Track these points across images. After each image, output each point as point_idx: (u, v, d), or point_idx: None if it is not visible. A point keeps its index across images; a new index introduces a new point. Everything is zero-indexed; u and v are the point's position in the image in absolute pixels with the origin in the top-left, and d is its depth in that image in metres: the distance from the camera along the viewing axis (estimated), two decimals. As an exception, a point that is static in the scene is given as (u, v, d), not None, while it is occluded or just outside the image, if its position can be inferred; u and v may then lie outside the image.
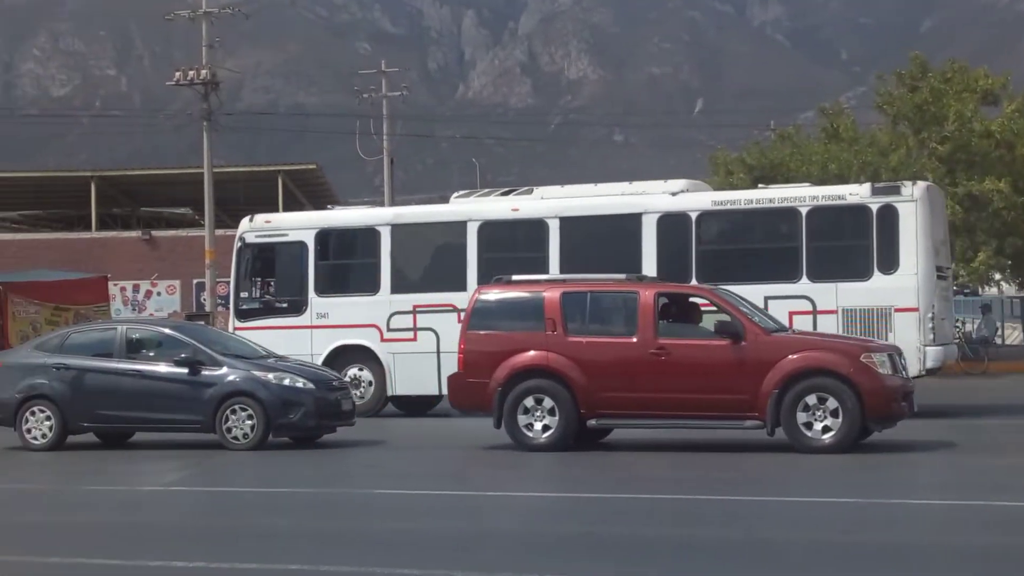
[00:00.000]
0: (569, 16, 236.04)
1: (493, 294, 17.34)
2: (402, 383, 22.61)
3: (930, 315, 20.23)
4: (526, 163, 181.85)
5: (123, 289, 45.27)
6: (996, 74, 36.46)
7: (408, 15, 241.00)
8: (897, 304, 20.19)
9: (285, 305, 23.21)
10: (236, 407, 17.51)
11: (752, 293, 19.12)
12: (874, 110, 38.10)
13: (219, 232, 41.01)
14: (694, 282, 20.71)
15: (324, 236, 23.39)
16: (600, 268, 20.58)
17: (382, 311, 22.58)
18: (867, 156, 34.71)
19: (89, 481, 15.02)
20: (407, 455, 17.53)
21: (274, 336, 22.37)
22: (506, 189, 24.18)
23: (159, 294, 46.39)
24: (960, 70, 36.27)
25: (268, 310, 23.33)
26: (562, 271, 21.07)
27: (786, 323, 18.99)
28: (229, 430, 17.54)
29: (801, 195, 21.19)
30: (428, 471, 15.73)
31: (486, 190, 24.49)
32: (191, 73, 41.24)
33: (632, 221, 21.56)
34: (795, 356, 15.84)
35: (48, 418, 18.09)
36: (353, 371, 22.62)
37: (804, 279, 20.61)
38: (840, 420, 15.64)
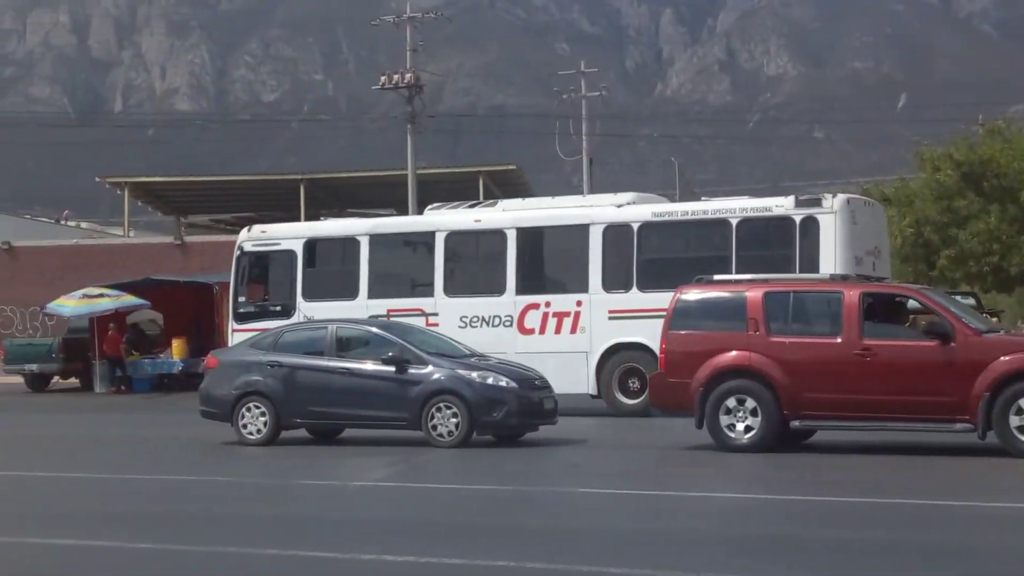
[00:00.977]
0: (768, 12, 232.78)
1: (694, 294, 17.25)
2: None
3: None
4: (724, 161, 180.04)
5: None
6: None
7: (606, 15, 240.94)
8: None
9: (277, 309, 24.65)
10: (441, 405, 17.80)
11: None
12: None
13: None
14: (635, 289, 22.33)
15: (311, 245, 24.96)
16: (552, 275, 23.16)
17: (360, 315, 23.43)
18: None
19: (302, 475, 15.45)
20: (609, 454, 17.57)
21: None
22: (473, 202, 25.64)
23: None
24: None
25: (262, 313, 24.72)
26: (518, 278, 23.08)
27: None
28: (435, 427, 17.84)
29: (732, 207, 22.41)
30: (629, 470, 15.74)
31: (456, 203, 25.60)
32: (396, 77, 42.07)
33: (581, 231, 22.95)
34: (1008, 358, 15.36)
35: (263, 414, 18.66)
36: None
37: None
38: (1056, 424, 15.12)
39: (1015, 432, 15.24)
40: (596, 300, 22.81)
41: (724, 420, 16.51)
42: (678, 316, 17.05)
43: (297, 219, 51.29)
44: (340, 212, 56.95)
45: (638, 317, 22.16)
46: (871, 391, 15.77)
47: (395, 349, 18.24)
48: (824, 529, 10.96)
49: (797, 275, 17.57)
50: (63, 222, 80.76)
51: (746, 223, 21.97)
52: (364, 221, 26.70)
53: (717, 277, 17.75)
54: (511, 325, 23.27)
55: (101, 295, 33.21)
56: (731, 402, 16.45)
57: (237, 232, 55.30)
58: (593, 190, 53.07)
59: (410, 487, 14.61)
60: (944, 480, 14.04)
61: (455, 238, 23.98)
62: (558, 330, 23.00)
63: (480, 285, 23.80)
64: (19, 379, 35.51)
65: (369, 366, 18.31)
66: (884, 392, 15.72)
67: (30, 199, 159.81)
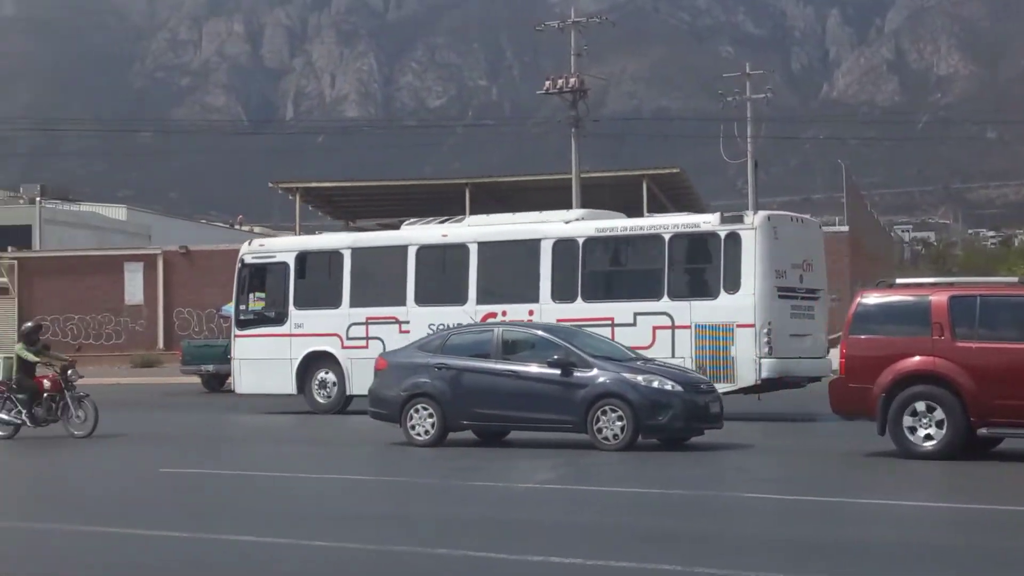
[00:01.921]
0: (938, 11, 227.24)
1: (874, 298, 16.86)
2: (357, 384, 25.05)
3: (766, 330, 22.38)
4: (893, 163, 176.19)
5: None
6: None
7: (771, 16, 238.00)
8: (738, 320, 22.42)
9: (273, 316, 26.72)
10: (607, 408, 17.76)
11: (624, 310, 23.06)
12: None
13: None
14: (579, 299, 23.76)
15: (302, 257, 26.92)
16: (509, 286, 24.59)
17: (343, 322, 25.88)
18: None
19: (470, 477, 15.56)
20: (778, 459, 17.32)
21: (264, 342, 26.58)
22: (444, 218, 27.26)
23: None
24: None
25: (260, 320, 26.89)
26: (479, 288, 24.66)
27: (650, 338, 22.38)
28: (600, 431, 17.81)
29: (666, 223, 23.91)
30: (801, 476, 15.47)
31: (430, 218, 27.39)
32: (560, 82, 42.16)
33: (533, 245, 24.52)
34: None
35: (431, 415, 18.86)
36: (322, 374, 26.12)
37: (665, 298, 23.08)
38: None
39: None
40: (546, 309, 24.16)
41: (907, 424, 16.11)
42: (858, 321, 16.68)
43: (462, 223, 51.85)
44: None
45: (583, 325, 22.71)
46: (1065, 398, 15.23)
47: (561, 352, 18.25)
48: (1007, 540, 10.63)
49: (983, 279, 17.14)
50: (237, 226, 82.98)
51: (677, 238, 23.38)
52: (347, 235, 28.60)
53: (899, 281, 17.43)
54: None
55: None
56: (916, 408, 16.02)
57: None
58: (758, 193, 52.47)
59: (575, 490, 14.59)
60: None
61: (425, 252, 25.63)
62: None
63: (446, 295, 25.18)
64: (196, 379, 36.60)
65: (535, 369, 18.35)
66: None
67: (205, 204, 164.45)
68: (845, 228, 46.53)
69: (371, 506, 13.45)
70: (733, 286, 22.60)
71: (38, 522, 12.44)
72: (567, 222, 24.75)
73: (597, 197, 48.02)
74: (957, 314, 15.99)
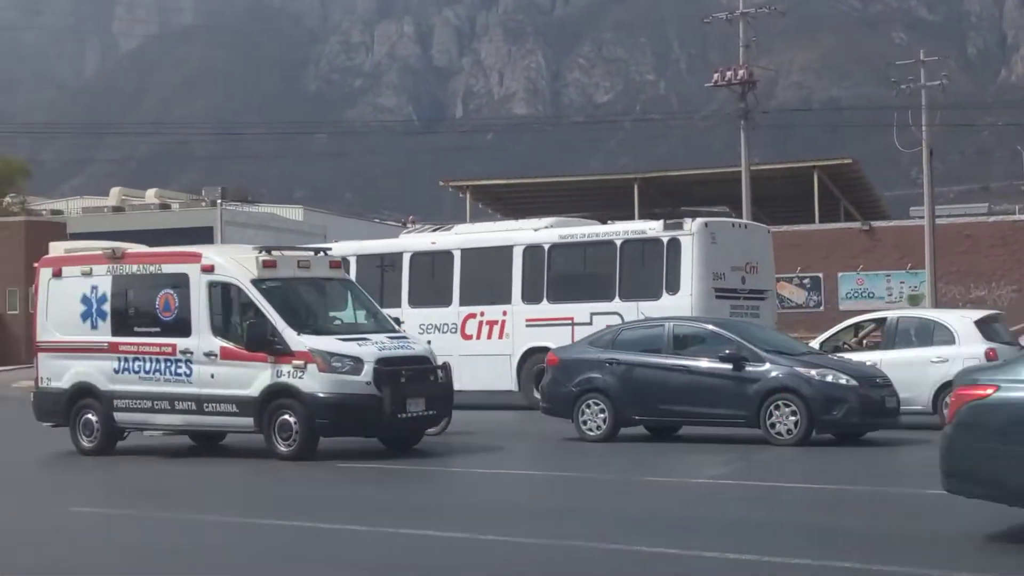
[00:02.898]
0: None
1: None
2: None
3: None
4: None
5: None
6: None
7: (945, 1, 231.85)
8: None
9: None
10: (780, 403, 17.55)
11: (583, 310, 25.05)
12: None
13: (757, 229, 41.02)
14: (545, 301, 25.77)
15: None
16: (486, 288, 26.56)
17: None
18: None
19: (642, 472, 15.53)
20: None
21: None
22: (437, 225, 29.63)
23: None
24: None
25: None
26: (462, 292, 26.80)
27: None
28: (773, 425, 17.61)
29: (618, 230, 26.18)
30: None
31: (427, 225, 29.80)
32: (728, 74, 41.70)
33: (506, 252, 26.64)
34: None
35: (602, 411, 18.88)
36: None
37: (616, 299, 24.93)
38: None
39: None
40: (517, 310, 26.33)
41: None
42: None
43: (631, 218, 51.69)
44: (672, 211, 57.07)
45: (548, 325, 25.51)
46: None
47: (732, 346, 18.09)
48: None
49: None
50: (408, 225, 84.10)
51: (628, 244, 25.34)
52: (353, 244, 30.53)
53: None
54: (456, 332, 26.93)
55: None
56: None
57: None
58: (934, 183, 51.14)
59: (749, 485, 14.45)
60: None
61: (418, 258, 27.90)
62: (489, 336, 26.65)
63: (434, 297, 27.28)
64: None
65: (706, 363, 18.23)
66: None
67: (377, 204, 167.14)
68: (1025, 216, 45.04)
69: (544, 501, 13.53)
70: (673, 288, 24.44)
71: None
72: (536, 230, 26.98)
73: (767, 189, 47.47)
74: None
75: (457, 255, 27.28)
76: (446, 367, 18.32)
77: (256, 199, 77.59)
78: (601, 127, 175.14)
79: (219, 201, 65.32)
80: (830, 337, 21.51)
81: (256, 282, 17.58)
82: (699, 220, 25.15)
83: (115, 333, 18.59)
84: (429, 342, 20.29)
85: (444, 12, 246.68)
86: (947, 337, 19.97)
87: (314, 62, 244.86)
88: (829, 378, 17.55)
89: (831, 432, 17.81)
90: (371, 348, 17.18)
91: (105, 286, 18.78)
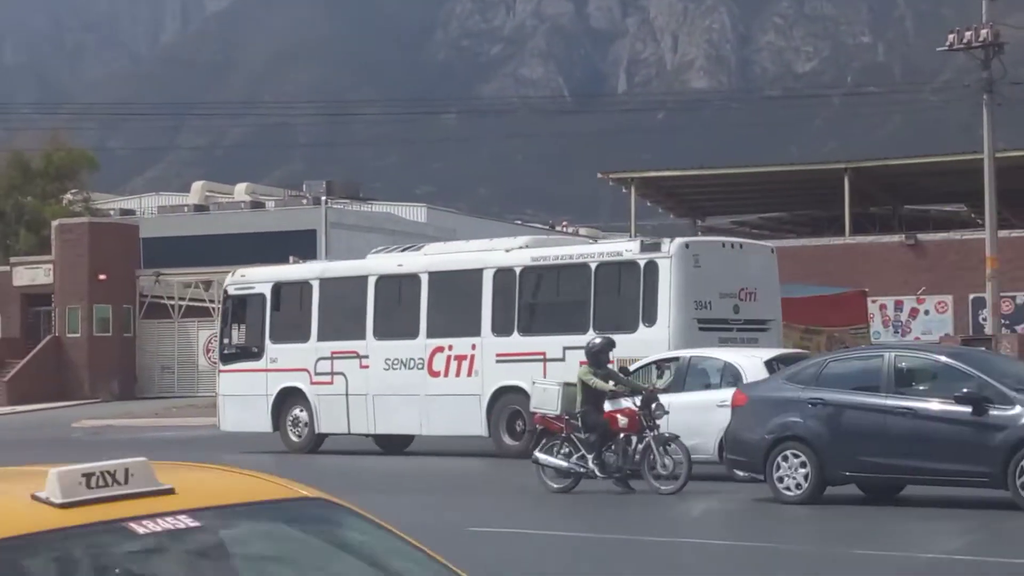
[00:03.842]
0: None
1: None
2: (325, 423, 29.95)
3: None
4: None
5: (882, 307, 45.71)
6: None
7: None
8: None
9: (254, 350, 31.15)
10: (1034, 457, 17.17)
11: (555, 344, 26.28)
12: None
13: (1003, 234, 40.45)
14: (516, 333, 27.25)
15: (277, 289, 31.18)
16: (455, 318, 28.23)
17: (311, 357, 30.09)
18: None
19: (856, 543, 15.31)
20: None
21: (243, 378, 30.95)
22: (407, 245, 31.45)
23: (926, 312, 46.36)
24: None
25: (242, 355, 31.40)
26: (429, 320, 28.38)
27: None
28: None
29: (593, 252, 27.44)
30: None
31: (393, 247, 31.47)
32: (967, 34, 41.05)
33: (477, 276, 28.03)
34: None
35: (803, 464, 18.62)
36: (296, 411, 30.35)
37: (591, 331, 25.48)
38: None
39: None
40: (487, 344, 27.71)
41: None
42: None
43: (840, 218, 51.23)
44: (893, 209, 56.35)
45: (519, 360, 26.75)
46: None
47: (972, 384, 17.74)
48: None
49: None
50: (560, 229, 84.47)
51: (603, 267, 26.65)
52: (317, 265, 33.14)
53: None
54: (423, 368, 28.46)
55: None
56: None
57: (762, 237, 56.03)
58: None
59: (994, 562, 14.15)
60: None
61: (383, 283, 29.47)
62: (458, 373, 28.03)
63: (400, 329, 28.94)
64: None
65: (937, 405, 17.92)
66: None
67: (519, 201, 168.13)
68: None
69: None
70: (650, 319, 25.79)
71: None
72: (508, 251, 28.31)
73: (1019, 182, 46.56)
74: None
75: (425, 279, 28.80)
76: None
77: (369, 195, 78.73)
78: (802, 103, 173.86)
79: (324, 198, 66.28)
80: (631, 375, 22.45)
81: None
82: (679, 241, 26.74)
83: None
84: None
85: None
86: (736, 378, 21.79)
87: (441, 25, 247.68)
88: (1100, 426, 17.12)
89: (1101, 495, 17.35)
90: None
91: None
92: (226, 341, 32.00)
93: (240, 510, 4.25)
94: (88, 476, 3.95)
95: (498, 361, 27.34)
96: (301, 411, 30.20)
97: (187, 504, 4.05)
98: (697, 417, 21.59)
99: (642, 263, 26.07)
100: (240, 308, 31.78)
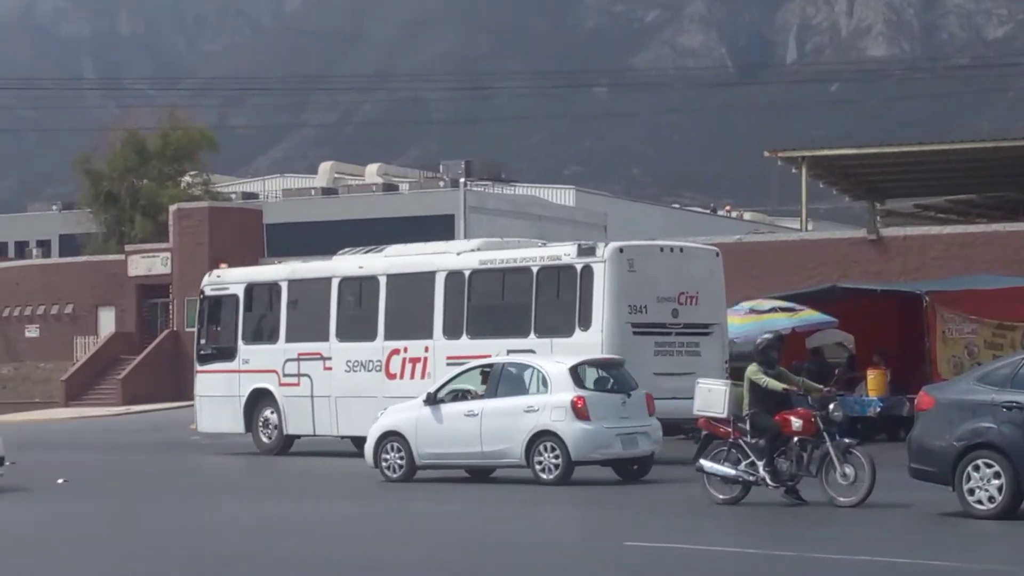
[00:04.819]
0: None
1: None
2: (292, 424, 32.83)
3: None
4: None
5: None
6: None
7: None
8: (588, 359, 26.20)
9: (227, 351, 34.20)
10: None
11: (499, 347, 28.18)
12: None
13: None
14: (465, 336, 29.90)
15: (249, 290, 34.31)
16: (410, 321, 30.95)
17: (280, 358, 33.14)
18: None
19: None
20: None
21: (218, 379, 34.24)
22: (371, 247, 33.32)
23: None
24: None
25: (216, 356, 34.55)
26: (386, 322, 31.20)
27: None
28: None
29: (535, 255, 29.77)
30: None
31: (359, 248, 33.57)
32: None
33: (430, 278, 30.81)
34: None
35: (997, 475, 18.37)
36: (267, 413, 33.26)
37: (532, 335, 28.84)
38: None
39: None
40: (439, 346, 30.37)
41: None
42: None
43: None
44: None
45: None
46: None
47: None
48: None
49: None
50: (723, 214, 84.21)
51: (543, 272, 29.22)
52: (287, 266, 35.88)
53: None
54: (380, 370, 31.17)
55: (772, 309, 34.02)
56: None
57: (949, 222, 55.34)
58: None
59: None
60: None
61: (346, 284, 32.38)
62: (412, 375, 30.56)
63: (360, 331, 31.76)
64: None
65: None
66: None
67: (677, 182, 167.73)
68: None
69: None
70: (585, 323, 28.13)
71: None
72: (458, 253, 31.01)
73: None
74: None
75: (383, 281, 31.62)
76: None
77: (512, 177, 78.99)
78: (995, 73, 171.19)
79: (463, 180, 66.41)
80: (450, 380, 25.76)
81: None
82: (613, 245, 28.83)
83: None
84: None
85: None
86: (542, 384, 24.61)
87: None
88: None
89: None
90: None
91: None
92: (203, 342, 35.05)
93: None
94: None
95: (448, 364, 29.16)
96: (272, 413, 33.15)
97: None
98: (506, 422, 24.39)
99: (579, 267, 28.47)
100: (216, 309, 34.82)
